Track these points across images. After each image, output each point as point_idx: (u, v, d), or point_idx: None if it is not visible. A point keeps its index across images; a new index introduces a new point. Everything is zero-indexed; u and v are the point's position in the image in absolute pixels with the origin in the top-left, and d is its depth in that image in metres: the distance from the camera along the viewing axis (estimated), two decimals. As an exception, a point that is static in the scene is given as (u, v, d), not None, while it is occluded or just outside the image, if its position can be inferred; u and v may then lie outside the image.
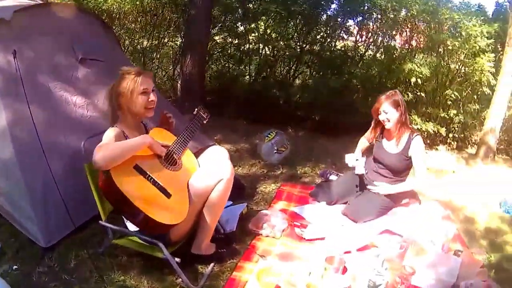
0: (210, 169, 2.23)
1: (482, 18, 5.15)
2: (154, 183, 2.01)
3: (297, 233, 2.74)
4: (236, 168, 3.81)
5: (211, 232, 2.30)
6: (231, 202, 2.91)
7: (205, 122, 2.52)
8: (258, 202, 3.25)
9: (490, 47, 4.91)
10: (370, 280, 2.14)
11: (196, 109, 2.50)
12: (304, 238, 2.69)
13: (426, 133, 5.09)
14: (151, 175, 2.02)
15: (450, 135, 5.42)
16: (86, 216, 2.50)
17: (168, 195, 2.03)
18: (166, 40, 5.98)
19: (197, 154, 2.47)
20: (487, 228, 3.34)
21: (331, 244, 2.60)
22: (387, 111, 2.97)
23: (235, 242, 2.60)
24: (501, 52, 5.01)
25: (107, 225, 2.15)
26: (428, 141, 5.33)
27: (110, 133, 2.06)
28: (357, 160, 3.08)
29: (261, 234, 2.68)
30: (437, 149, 5.38)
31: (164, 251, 2.00)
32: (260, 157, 4.09)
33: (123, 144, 1.99)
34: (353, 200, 3.13)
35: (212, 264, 2.30)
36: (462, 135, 5.54)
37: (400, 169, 3.12)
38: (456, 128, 5.42)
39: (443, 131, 5.11)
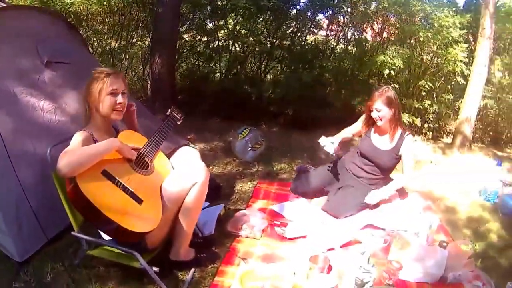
0: (184, 172, 2.11)
1: (453, 9, 5.17)
2: (124, 189, 1.87)
3: (278, 232, 2.59)
4: (211, 167, 3.67)
5: (189, 237, 2.18)
6: (208, 203, 2.78)
7: (179, 123, 2.41)
8: (235, 201, 3.10)
9: (462, 38, 4.93)
10: (357, 278, 2.02)
11: (169, 110, 2.38)
12: (286, 237, 2.55)
13: (401, 124, 5.04)
14: (120, 180, 1.89)
15: (426, 125, 5.40)
16: (59, 227, 2.37)
17: (139, 201, 1.89)
18: (135, 40, 5.86)
19: (168, 156, 2.33)
20: (469, 217, 3.29)
21: (314, 242, 2.47)
22: (380, 109, 2.86)
23: (214, 245, 2.46)
24: (474, 43, 5.03)
25: (80, 236, 2.01)
26: None
27: (77, 137, 1.93)
28: (332, 142, 2.94)
29: (241, 236, 2.53)
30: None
31: (140, 260, 1.88)
32: (235, 155, 3.94)
33: (89, 149, 1.86)
34: (333, 196, 3.00)
35: (192, 270, 2.19)
36: (437, 125, 5.54)
37: (389, 167, 3.04)
38: (431, 118, 5.41)
39: (418, 121, 5.10)
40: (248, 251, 2.42)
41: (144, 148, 2.11)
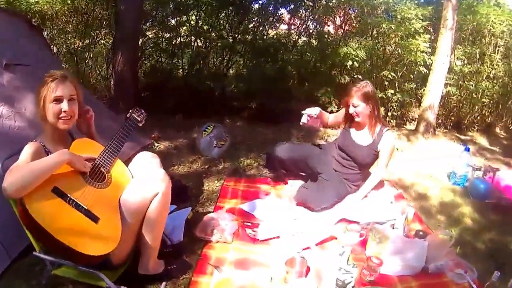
0: (143, 182, 1.90)
1: (416, 1, 5.28)
2: (77, 207, 1.67)
3: (249, 234, 2.42)
4: (176, 166, 3.47)
5: (157, 249, 1.99)
6: (175, 206, 2.59)
7: (140, 124, 2.20)
8: (203, 203, 2.89)
9: (424, 29, 5.02)
10: (338, 279, 1.90)
11: (129, 112, 2.18)
12: (258, 239, 2.38)
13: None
14: (72, 197, 1.68)
15: (389, 113, 5.46)
16: (21, 245, 2.13)
17: (95, 219, 1.69)
18: (99, 38, 5.64)
19: (126, 162, 2.11)
20: (442, 203, 3.28)
21: (288, 242, 2.32)
22: (357, 105, 2.74)
23: (185, 253, 2.26)
24: (435, 33, 5.14)
25: (42, 256, 1.77)
26: None
27: (26, 150, 1.73)
28: (315, 115, 2.86)
29: (211, 241, 2.34)
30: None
31: (106, 280, 1.71)
32: (200, 153, 3.75)
33: (36, 165, 1.64)
34: (307, 187, 2.89)
35: (164, 284, 2.00)
36: (400, 113, 5.61)
37: (367, 162, 2.94)
38: (394, 107, 5.47)
39: (381, 110, 5.06)
40: (221, 258, 2.23)
41: (100, 158, 1.90)
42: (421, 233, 2.51)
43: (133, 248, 1.93)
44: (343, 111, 3.02)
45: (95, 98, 3.95)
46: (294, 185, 3.13)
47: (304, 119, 2.88)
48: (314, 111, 2.86)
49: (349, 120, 2.93)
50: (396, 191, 3.33)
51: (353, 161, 2.91)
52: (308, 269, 2.06)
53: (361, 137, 2.89)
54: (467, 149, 3.60)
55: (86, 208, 1.68)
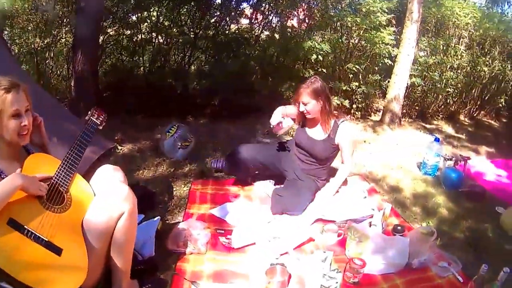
0: (107, 201, 1.67)
1: None
2: (37, 239, 1.44)
3: (223, 242, 2.23)
4: (141, 171, 3.20)
5: (128, 271, 1.78)
6: (143, 216, 2.37)
7: (100, 127, 1.95)
8: (171, 210, 2.66)
9: (389, 22, 5.00)
10: (322, 285, 1.76)
11: (88, 114, 1.94)
12: (233, 248, 2.20)
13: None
14: (30, 229, 1.44)
15: (354, 106, 5.43)
16: None
17: (58, 251, 1.47)
18: (59, 37, 5.30)
19: (87, 176, 1.87)
20: (415, 194, 3.23)
21: (264, 248, 2.16)
22: (307, 102, 2.62)
23: (158, 269, 2.05)
24: (399, 26, 5.18)
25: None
26: None
27: None
28: (283, 119, 2.74)
29: (184, 253, 2.14)
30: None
31: None
32: (165, 155, 3.51)
33: None
34: (284, 195, 2.66)
35: None
36: (365, 105, 5.58)
37: (326, 157, 2.80)
38: (359, 99, 5.44)
39: (346, 103, 5.09)
40: (196, 271, 2.04)
41: (57, 176, 1.64)
42: (399, 227, 2.44)
43: (103, 272, 1.72)
44: (294, 110, 2.87)
45: (56, 101, 3.61)
46: (262, 186, 2.97)
47: (274, 123, 2.75)
48: (273, 121, 2.74)
49: (302, 117, 2.81)
50: (368, 185, 3.26)
51: (311, 157, 2.80)
52: (289, 277, 1.91)
53: (317, 132, 2.79)
54: (437, 140, 3.58)
55: (46, 240, 1.45)
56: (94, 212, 1.62)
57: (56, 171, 1.65)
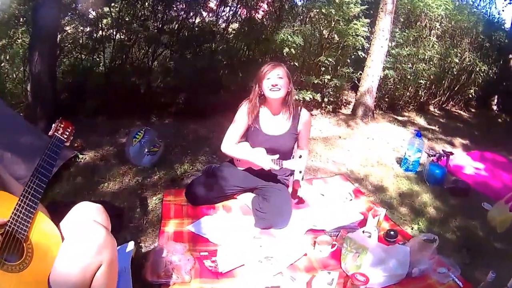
0: (80, 251, 1.29)
1: None
2: None
3: (209, 267, 1.93)
4: (106, 183, 2.82)
5: None
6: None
7: (68, 143, 1.59)
8: (144, 230, 2.31)
9: (362, 13, 4.85)
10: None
11: (52, 129, 1.57)
12: (220, 273, 1.91)
13: (302, 101, 4.83)
14: None
15: (325, 99, 5.29)
16: None
17: None
18: (15, 38, 4.72)
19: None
20: (400, 193, 3.12)
21: (255, 270, 1.91)
22: (282, 76, 2.35)
23: None
24: (372, 18, 5.03)
25: None
26: None
27: None
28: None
29: (168, 284, 1.82)
30: (312, 114, 5.18)
31: None
32: (130, 162, 3.17)
33: None
34: (267, 211, 2.36)
35: None
36: (335, 98, 5.44)
37: (290, 148, 2.56)
38: (330, 92, 5.30)
39: (318, 97, 4.90)
40: (184, 306, 1.75)
41: (12, 220, 1.27)
42: (392, 232, 2.31)
43: None
44: (241, 111, 2.54)
45: (10, 109, 3.11)
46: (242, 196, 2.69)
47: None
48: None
49: (256, 110, 2.49)
50: (352, 185, 3.12)
51: (275, 154, 2.45)
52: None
53: (276, 126, 2.52)
54: (419, 135, 3.47)
55: None
56: (64, 264, 1.27)
57: (12, 213, 1.28)
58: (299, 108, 2.52)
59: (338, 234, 2.26)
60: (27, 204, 1.31)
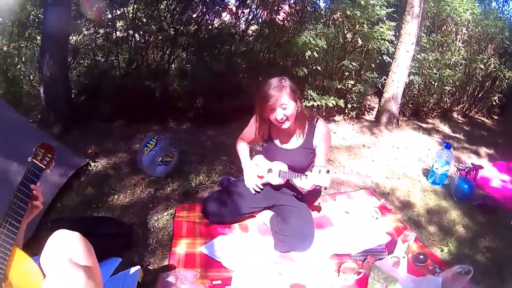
0: None
1: None
2: None
3: (222, 299, 1.80)
4: (116, 196, 2.71)
5: None
6: (120, 260, 1.93)
7: (49, 170, 1.48)
8: (153, 250, 2.18)
9: (389, 16, 4.66)
10: None
11: (32, 153, 1.45)
12: (234, 305, 1.77)
13: (324, 107, 4.70)
14: None
15: (349, 105, 5.07)
16: None
17: None
18: (31, 40, 4.73)
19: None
20: (428, 210, 2.93)
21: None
22: (286, 105, 2.09)
23: None
24: (399, 21, 4.81)
25: None
26: (324, 114, 4.95)
27: None
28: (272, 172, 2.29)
29: None
30: (334, 120, 5.03)
31: None
32: (143, 171, 3.06)
33: None
34: (287, 234, 2.20)
35: None
36: (358, 104, 5.23)
37: (307, 164, 2.35)
38: (354, 98, 5.09)
39: (341, 103, 4.69)
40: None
41: None
42: (421, 257, 2.16)
43: None
44: (251, 125, 2.41)
45: (18, 116, 3.00)
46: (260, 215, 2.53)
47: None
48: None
49: (265, 128, 2.34)
50: (378, 201, 2.94)
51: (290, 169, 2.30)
52: None
53: (289, 139, 2.34)
54: (448, 147, 3.26)
55: None
56: None
57: None
58: (315, 120, 2.30)
59: (364, 259, 2.09)
60: (4, 240, 1.21)
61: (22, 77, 4.76)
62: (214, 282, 1.88)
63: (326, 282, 1.95)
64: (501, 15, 6.14)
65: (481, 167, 3.31)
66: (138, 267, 1.86)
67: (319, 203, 2.72)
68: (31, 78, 4.91)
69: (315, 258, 2.14)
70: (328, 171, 2.06)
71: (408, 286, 1.78)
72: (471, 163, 3.41)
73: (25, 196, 1.32)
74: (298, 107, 2.16)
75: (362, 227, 2.47)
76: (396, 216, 2.75)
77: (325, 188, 2.14)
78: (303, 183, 2.11)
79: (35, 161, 1.42)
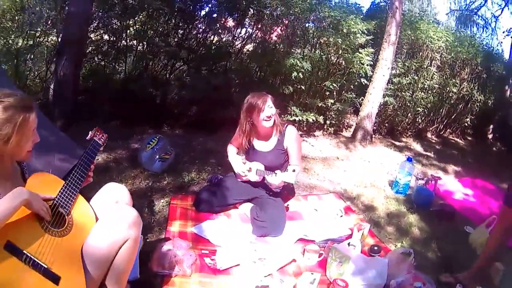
0: (111, 226, 1.56)
1: (361, 16, 5.39)
2: (35, 266, 1.34)
3: (208, 264, 2.22)
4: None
5: None
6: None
7: (101, 149, 1.89)
8: (152, 227, 2.60)
9: (367, 42, 5.15)
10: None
11: (90, 133, 1.86)
12: (218, 269, 2.19)
13: (305, 122, 5.17)
14: (29, 254, 1.35)
15: (328, 122, 5.56)
16: None
17: (56, 279, 1.37)
18: (41, 39, 5.07)
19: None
20: (388, 213, 3.35)
21: (249, 270, 2.18)
22: (272, 106, 2.72)
23: None
24: (376, 47, 5.34)
25: None
26: (305, 129, 5.43)
27: None
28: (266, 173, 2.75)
29: (170, 275, 2.08)
30: (314, 135, 5.51)
31: None
32: (141, 166, 3.47)
33: None
34: (266, 220, 2.65)
35: None
36: (337, 121, 5.71)
37: (280, 163, 2.86)
38: (333, 115, 5.57)
39: (321, 119, 5.20)
40: (183, 295, 2.02)
41: (60, 196, 1.55)
42: (375, 248, 2.53)
43: None
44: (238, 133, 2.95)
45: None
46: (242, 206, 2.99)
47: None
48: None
49: (252, 132, 2.87)
50: (344, 203, 3.36)
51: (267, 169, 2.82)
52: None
53: (264, 143, 2.88)
54: (409, 159, 3.72)
55: (45, 267, 1.35)
56: (96, 237, 1.53)
57: (59, 191, 1.56)
58: (285, 125, 2.84)
59: (326, 245, 2.51)
60: (72, 187, 1.61)
61: (27, 72, 5.07)
62: (202, 251, 2.32)
63: (291, 258, 2.36)
64: (474, 41, 6.66)
65: (439, 178, 3.75)
66: (141, 235, 2.25)
67: (287, 205, 3.11)
68: (36, 74, 5.26)
69: (285, 241, 2.56)
70: (294, 170, 2.57)
71: (359, 264, 2.19)
72: (430, 174, 3.86)
73: (87, 162, 1.73)
74: (277, 113, 2.75)
75: (327, 222, 2.88)
76: (359, 216, 3.16)
77: (292, 185, 2.59)
78: (273, 179, 2.64)
79: (95, 138, 1.84)
